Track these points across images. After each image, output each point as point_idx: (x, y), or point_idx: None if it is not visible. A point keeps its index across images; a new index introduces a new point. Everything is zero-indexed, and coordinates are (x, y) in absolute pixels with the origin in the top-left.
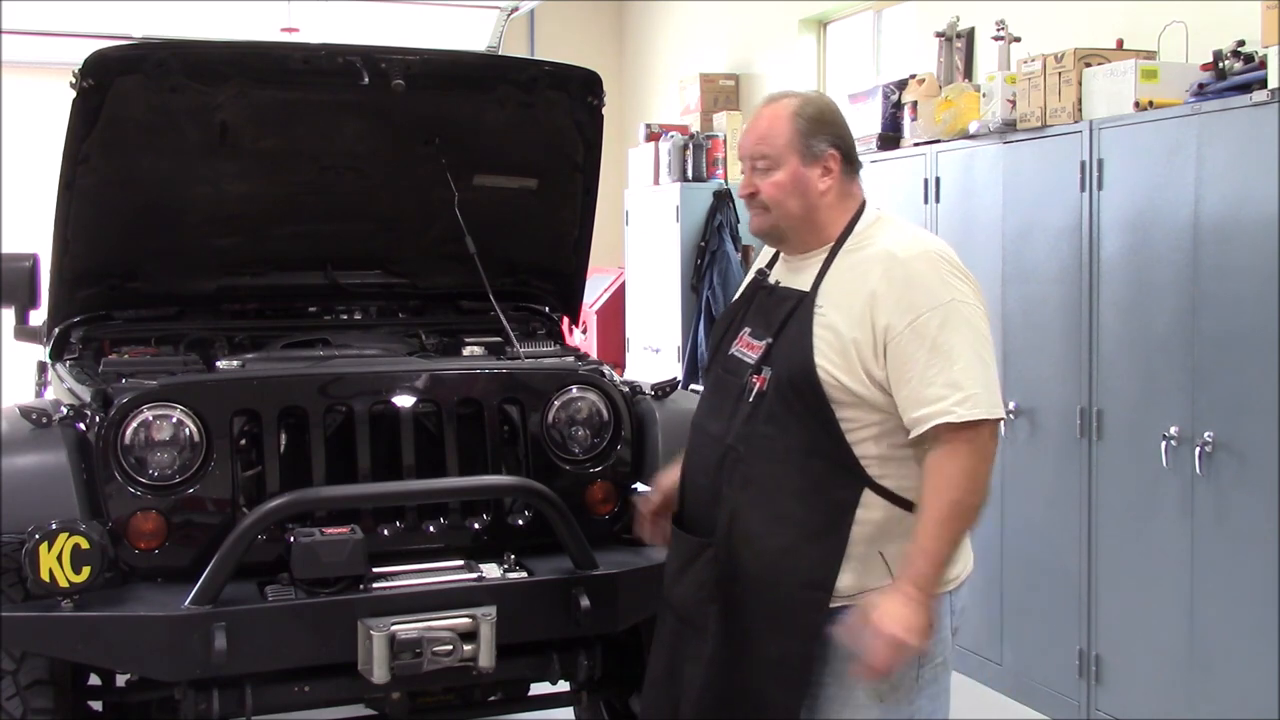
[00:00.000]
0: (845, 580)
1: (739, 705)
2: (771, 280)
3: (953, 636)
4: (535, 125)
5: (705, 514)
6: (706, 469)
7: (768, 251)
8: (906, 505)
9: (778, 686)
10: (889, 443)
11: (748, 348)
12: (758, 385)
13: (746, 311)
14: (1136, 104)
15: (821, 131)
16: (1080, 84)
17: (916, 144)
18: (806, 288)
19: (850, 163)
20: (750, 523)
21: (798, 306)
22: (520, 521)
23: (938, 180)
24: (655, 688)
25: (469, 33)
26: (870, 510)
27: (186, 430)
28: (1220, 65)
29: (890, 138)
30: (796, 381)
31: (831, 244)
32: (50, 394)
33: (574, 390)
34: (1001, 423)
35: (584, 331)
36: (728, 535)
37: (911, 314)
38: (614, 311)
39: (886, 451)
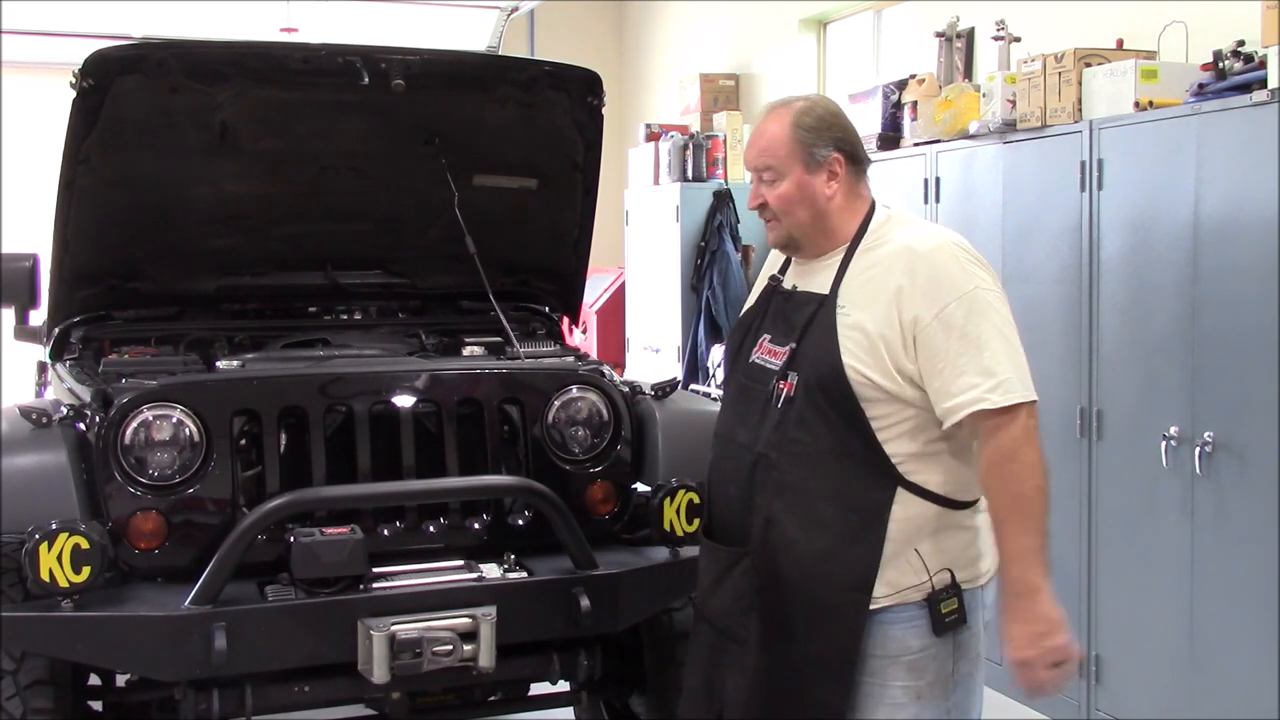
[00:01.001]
0: (883, 580)
1: (786, 710)
2: (787, 285)
3: (984, 631)
4: (535, 125)
5: (737, 524)
6: (737, 478)
7: (776, 256)
8: (939, 500)
9: (823, 689)
10: (922, 439)
11: (770, 354)
12: (785, 391)
13: (763, 318)
14: (1136, 104)
15: (823, 137)
16: (1080, 84)
17: (916, 144)
18: (825, 290)
19: (857, 163)
20: (786, 529)
21: (819, 309)
22: (520, 521)
23: (938, 180)
24: (693, 701)
25: (469, 33)
26: (904, 508)
27: (186, 430)
28: (1220, 65)
29: (890, 138)
30: (826, 383)
31: (846, 245)
32: (50, 394)
33: (574, 390)
34: (1036, 403)
35: (584, 331)
36: (763, 543)
37: (937, 305)
38: (614, 311)
39: (919, 448)
